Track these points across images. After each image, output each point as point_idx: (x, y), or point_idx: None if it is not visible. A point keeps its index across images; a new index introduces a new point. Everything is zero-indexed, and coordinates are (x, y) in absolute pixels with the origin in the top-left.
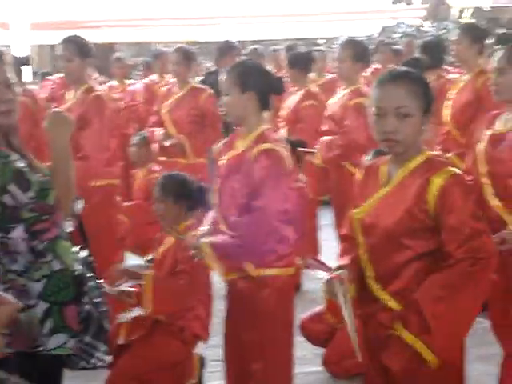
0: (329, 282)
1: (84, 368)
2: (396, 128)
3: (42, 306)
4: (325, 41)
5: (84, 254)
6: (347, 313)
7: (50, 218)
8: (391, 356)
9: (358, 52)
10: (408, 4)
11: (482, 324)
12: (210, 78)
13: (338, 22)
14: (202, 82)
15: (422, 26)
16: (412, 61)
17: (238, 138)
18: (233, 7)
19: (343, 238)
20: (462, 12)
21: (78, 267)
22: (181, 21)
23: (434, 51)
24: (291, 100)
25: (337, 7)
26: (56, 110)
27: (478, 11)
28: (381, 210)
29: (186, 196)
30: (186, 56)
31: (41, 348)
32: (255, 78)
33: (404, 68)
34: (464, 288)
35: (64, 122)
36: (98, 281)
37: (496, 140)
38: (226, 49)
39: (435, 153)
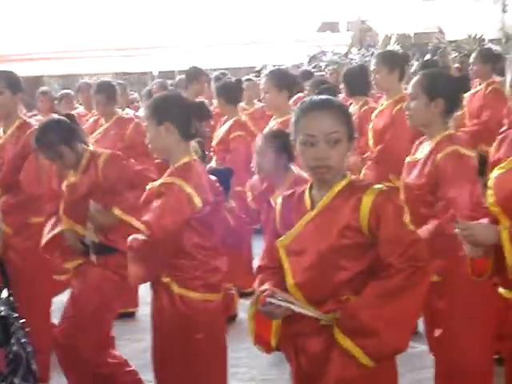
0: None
1: None
2: (328, 154)
3: None
4: (260, 68)
5: (4, 294)
6: (302, 310)
7: None
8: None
9: (283, 81)
10: (333, 32)
11: (416, 349)
12: None
13: (266, 51)
14: None
15: (350, 52)
16: (328, 88)
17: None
18: (161, 38)
19: (259, 270)
20: (388, 38)
21: (1, 308)
22: (108, 52)
23: (358, 79)
24: (221, 130)
25: (265, 36)
26: None
27: (402, 37)
28: (309, 234)
29: None
30: (107, 89)
31: None
32: (171, 108)
33: (325, 96)
34: (407, 294)
35: None
36: (21, 321)
37: (410, 167)
38: (194, 74)
39: (356, 177)
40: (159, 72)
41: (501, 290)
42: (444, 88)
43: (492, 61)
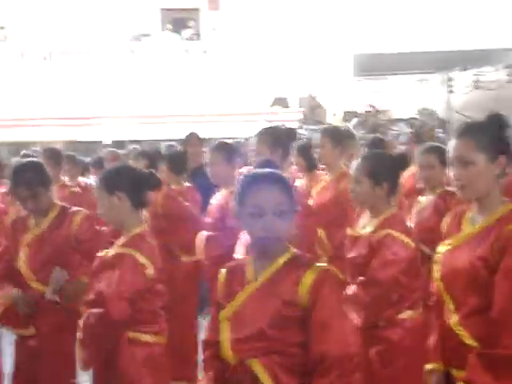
0: None
1: None
2: (275, 225)
3: None
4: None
5: None
6: None
7: None
8: None
9: (229, 154)
10: (284, 107)
11: None
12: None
13: (217, 124)
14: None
15: (301, 127)
16: (268, 161)
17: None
18: (113, 107)
19: (206, 345)
20: (335, 115)
21: None
22: (59, 121)
23: (307, 154)
24: None
25: (216, 109)
26: None
27: (348, 114)
28: (250, 306)
29: None
30: (53, 157)
31: None
32: (122, 178)
33: (269, 170)
34: None
35: None
36: None
37: (351, 242)
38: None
39: (298, 251)
40: (112, 141)
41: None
42: (387, 171)
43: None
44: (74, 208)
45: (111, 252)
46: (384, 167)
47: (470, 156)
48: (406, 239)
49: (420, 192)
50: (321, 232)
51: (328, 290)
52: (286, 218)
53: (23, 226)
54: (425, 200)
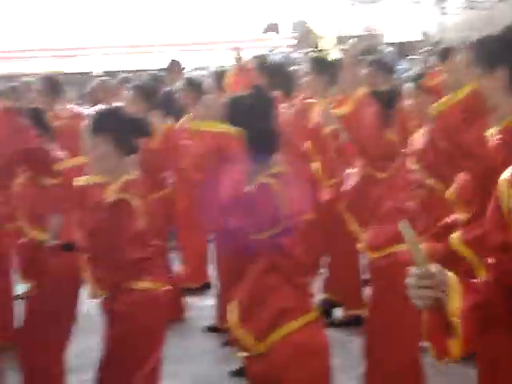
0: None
1: None
2: None
3: None
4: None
5: None
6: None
7: None
8: None
9: None
10: (277, 33)
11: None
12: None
13: (209, 52)
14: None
15: (294, 52)
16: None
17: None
18: (100, 37)
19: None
20: (327, 40)
21: None
22: (47, 52)
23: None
24: None
25: (208, 36)
26: None
27: (342, 39)
28: None
29: None
30: (52, 85)
31: None
32: (112, 121)
33: None
34: None
35: None
36: None
37: None
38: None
39: None
40: (103, 72)
41: None
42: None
43: None
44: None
45: (107, 199)
46: None
47: None
48: None
49: None
50: None
51: None
52: None
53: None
54: None
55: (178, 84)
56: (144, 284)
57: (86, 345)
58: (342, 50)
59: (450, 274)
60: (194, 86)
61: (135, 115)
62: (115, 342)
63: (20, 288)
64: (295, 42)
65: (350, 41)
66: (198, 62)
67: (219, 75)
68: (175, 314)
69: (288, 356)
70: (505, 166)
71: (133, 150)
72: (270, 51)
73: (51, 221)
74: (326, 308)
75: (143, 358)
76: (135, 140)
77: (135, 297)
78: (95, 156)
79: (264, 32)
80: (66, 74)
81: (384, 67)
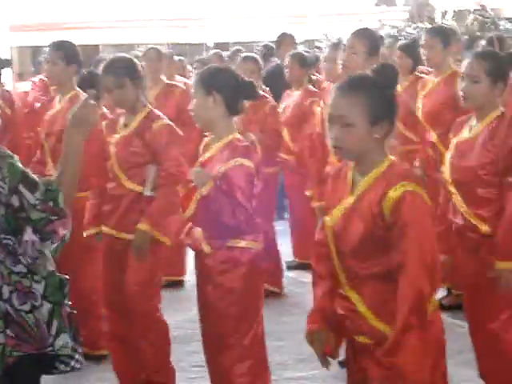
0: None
1: (61, 372)
2: (338, 135)
3: (47, 307)
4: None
5: None
6: None
7: (59, 219)
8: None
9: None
10: (390, 6)
11: (463, 328)
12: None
13: (329, 24)
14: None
15: (409, 26)
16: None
17: (210, 142)
18: (215, 9)
19: (316, 245)
20: (444, 14)
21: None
22: (163, 22)
23: (413, 53)
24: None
25: (322, 9)
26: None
27: (459, 13)
28: (346, 222)
29: None
30: (158, 55)
31: (49, 349)
32: (222, 80)
33: (360, 76)
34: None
35: (87, 116)
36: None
37: (461, 148)
38: (281, 39)
39: (397, 161)
40: (214, 43)
41: None
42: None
43: None
44: (158, 114)
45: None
46: (503, 66)
47: None
48: None
49: None
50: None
51: (408, 211)
52: (354, 131)
53: (113, 127)
54: None
55: (287, 59)
56: (243, 243)
57: (187, 316)
58: (460, 25)
59: None
60: (302, 61)
61: (244, 77)
62: (221, 301)
63: None
64: (408, 15)
65: (471, 16)
66: (308, 35)
67: (336, 46)
68: (276, 284)
69: None
70: None
71: (239, 111)
72: (383, 25)
73: (148, 172)
74: None
75: (252, 314)
76: (242, 102)
77: (235, 254)
78: (203, 113)
79: (376, 4)
80: (181, 44)
81: (503, 45)
